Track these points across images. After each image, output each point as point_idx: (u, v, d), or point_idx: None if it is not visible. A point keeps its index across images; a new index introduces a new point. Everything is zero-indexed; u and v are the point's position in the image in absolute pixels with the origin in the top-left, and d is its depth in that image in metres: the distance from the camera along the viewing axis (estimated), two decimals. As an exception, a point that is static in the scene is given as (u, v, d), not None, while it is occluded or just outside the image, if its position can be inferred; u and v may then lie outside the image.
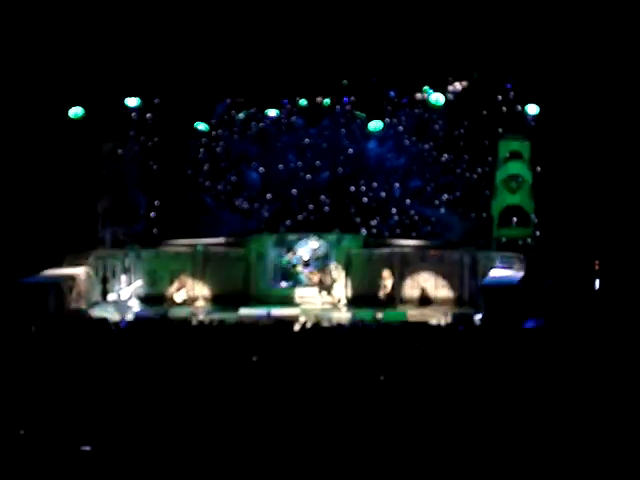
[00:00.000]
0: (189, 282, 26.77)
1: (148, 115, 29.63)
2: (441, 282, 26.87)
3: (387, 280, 26.37)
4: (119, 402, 9.89)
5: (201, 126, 29.94)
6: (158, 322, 21.48)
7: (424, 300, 26.45)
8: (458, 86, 29.64)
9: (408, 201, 29.57)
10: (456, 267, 26.86)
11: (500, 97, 29.31)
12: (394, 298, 26.51)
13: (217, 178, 30.10)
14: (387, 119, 29.85)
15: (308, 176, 29.97)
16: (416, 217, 29.54)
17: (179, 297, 26.32)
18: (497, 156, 28.54)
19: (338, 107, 30.11)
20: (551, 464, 7.86)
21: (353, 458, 8.00)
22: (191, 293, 26.70)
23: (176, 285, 26.52)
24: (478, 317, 23.46)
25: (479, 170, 29.44)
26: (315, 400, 9.84)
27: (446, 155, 29.69)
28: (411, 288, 26.97)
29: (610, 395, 10.04)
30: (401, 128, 30.01)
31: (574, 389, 10.49)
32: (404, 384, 10.86)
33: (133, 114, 29.39)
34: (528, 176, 28.07)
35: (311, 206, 29.71)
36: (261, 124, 30.28)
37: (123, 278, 26.57)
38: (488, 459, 7.94)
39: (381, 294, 26.35)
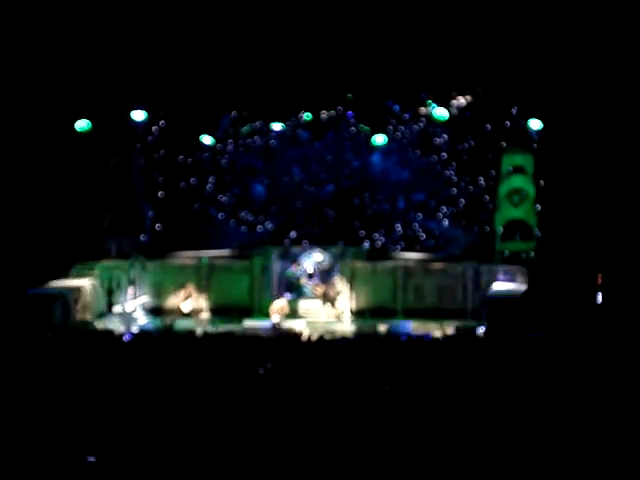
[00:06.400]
0: (195, 292, 26.77)
1: (154, 128, 29.82)
2: (444, 295, 26.98)
3: (278, 305, 25.90)
4: (124, 413, 10.00)
5: (206, 139, 30.08)
6: (163, 334, 21.54)
7: (427, 313, 26.54)
8: (462, 100, 29.80)
9: (412, 214, 29.69)
10: (459, 280, 27.01)
11: (503, 111, 29.44)
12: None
13: (222, 191, 30.23)
14: (391, 133, 29.99)
15: (313, 189, 30.11)
16: (420, 230, 29.66)
17: (186, 307, 26.31)
18: (500, 170, 28.73)
19: (343, 121, 30.26)
20: (552, 473, 7.98)
21: (358, 469, 8.12)
22: (196, 304, 26.77)
23: (183, 294, 26.52)
24: (481, 329, 23.58)
25: (482, 184, 29.57)
26: (321, 412, 9.96)
27: (450, 169, 29.83)
28: (414, 301, 27.10)
29: (612, 408, 10.15)
30: (405, 142, 30.15)
31: (576, 402, 10.60)
32: (408, 395, 10.98)
33: (140, 127, 29.57)
34: (531, 190, 28.24)
35: (315, 219, 29.84)
36: (266, 138, 30.42)
37: (129, 290, 26.68)
38: (491, 468, 8.06)
39: (277, 317, 25.49)
